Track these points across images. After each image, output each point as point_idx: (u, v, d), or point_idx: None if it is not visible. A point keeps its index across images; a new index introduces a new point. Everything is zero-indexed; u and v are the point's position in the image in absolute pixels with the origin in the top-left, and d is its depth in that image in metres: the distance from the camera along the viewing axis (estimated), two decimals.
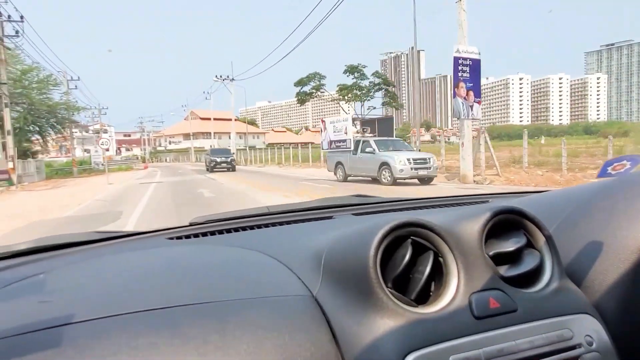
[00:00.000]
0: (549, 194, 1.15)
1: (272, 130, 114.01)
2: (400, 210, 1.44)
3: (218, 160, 30.70)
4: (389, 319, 0.63)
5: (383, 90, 51.91)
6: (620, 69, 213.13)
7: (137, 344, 0.60)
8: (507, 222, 0.76)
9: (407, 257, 0.67)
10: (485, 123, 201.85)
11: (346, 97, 52.59)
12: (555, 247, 0.75)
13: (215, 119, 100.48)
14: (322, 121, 21.82)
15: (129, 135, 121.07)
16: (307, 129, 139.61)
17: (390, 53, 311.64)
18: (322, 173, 21.91)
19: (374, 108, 58.67)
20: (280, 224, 1.25)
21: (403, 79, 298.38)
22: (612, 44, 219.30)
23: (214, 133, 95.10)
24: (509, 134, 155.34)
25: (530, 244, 0.76)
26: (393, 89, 52.21)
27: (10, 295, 0.80)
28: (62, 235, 1.17)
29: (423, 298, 0.68)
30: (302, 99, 52.10)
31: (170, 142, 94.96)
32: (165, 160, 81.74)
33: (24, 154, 30.83)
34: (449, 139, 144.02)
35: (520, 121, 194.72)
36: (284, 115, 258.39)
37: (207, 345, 0.61)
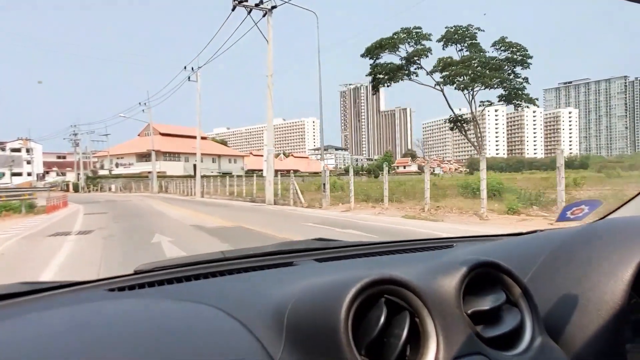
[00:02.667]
0: (517, 239, 1.08)
1: (251, 153, 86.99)
2: (364, 255, 1.30)
3: None
4: None
5: (508, 70, 28.08)
6: (578, 106, 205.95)
7: None
8: (483, 275, 0.70)
9: (382, 319, 0.59)
10: (463, 155, 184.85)
11: (456, 80, 29.21)
12: (535, 303, 0.70)
13: (180, 136, 73.71)
14: None
15: (64, 157, 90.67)
16: (286, 155, 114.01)
17: (350, 85, 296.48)
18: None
19: (490, 104, 34.97)
20: (238, 271, 1.12)
21: (363, 110, 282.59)
22: (570, 82, 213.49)
23: (181, 154, 68.19)
24: (491, 166, 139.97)
25: (508, 300, 0.70)
26: (523, 69, 27.67)
27: None
28: None
29: None
30: (389, 76, 26.49)
31: (117, 165, 65.70)
32: (110, 189, 52.47)
33: None
34: (434, 170, 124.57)
35: (497, 153, 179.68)
36: (243, 143, 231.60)
37: None
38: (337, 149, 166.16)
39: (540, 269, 0.84)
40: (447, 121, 30.82)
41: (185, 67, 29.67)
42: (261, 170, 62.50)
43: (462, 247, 1.29)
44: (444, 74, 28.03)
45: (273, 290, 0.83)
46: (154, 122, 68.87)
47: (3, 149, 79.07)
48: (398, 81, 27.45)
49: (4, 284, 0.97)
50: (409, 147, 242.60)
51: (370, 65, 27.51)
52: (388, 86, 27.96)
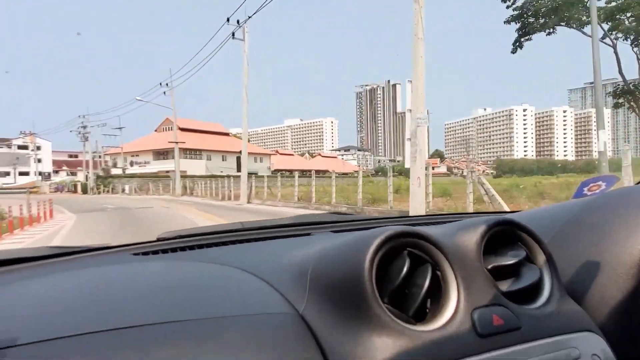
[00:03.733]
0: (534, 211, 1.10)
1: (277, 152, 78.10)
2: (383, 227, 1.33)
3: None
4: (387, 338, 0.56)
5: None
6: (607, 106, 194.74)
7: None
8: (503, 236, 0.71)
9: (405, 269, 0.60)
10: (489, 156, 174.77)
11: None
12: (554, 261, 0.71)
13: (201, 131, 64.93)
14: None
15: (76, 156, 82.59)
16: (312, 155, 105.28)
17: (366, 86, 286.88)
18: None
19: None
20: (256, 240, 1.15)
21: (379, 112, 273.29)
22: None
23: (202, 151, 59.42)
24: (521, 168, 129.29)
25: (527, 259, 0.70)
26: None
27: None
28: (9, 250, 1.04)
29: (420, 315, 0.61)
30: (553, 19, 16.78)
31: (132, 163, 57.13)
32: (123, 190, 43.74)
33: None
34: (462, 172, 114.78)
35: (525, 155, 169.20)
36: (259, 144, 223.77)
37: None
38: (358, 149, 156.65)
39: (557, 236, 0.85)
40: (612, 94, 21.29)
41: (228, 20, 20.72)
42: (288, 170, 53.77)
43: None
44: (613, 23, 18.59)
45: (294, 253, 0.84)
46: (172, 117, 60.34)
47: (9, 146, 71.43)
48: (562, 24, 18.13)
49: (30, 247, 0.97)
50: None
51: (515, 7, 18.21)
52: (549, 33, 18.65)
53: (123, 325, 0.58)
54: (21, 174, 68.75)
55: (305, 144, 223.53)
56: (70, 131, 54.05)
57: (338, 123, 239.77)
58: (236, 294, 0.72)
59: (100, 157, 59.03)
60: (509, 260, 0.67)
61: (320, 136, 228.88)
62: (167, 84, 32.33)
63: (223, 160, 59.29)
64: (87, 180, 49.13)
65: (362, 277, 0.58)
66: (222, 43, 21.44)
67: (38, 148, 71.78)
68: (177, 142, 34.01)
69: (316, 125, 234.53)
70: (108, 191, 44.97)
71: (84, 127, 49.95)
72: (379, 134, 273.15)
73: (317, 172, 23.48)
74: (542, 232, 0.81)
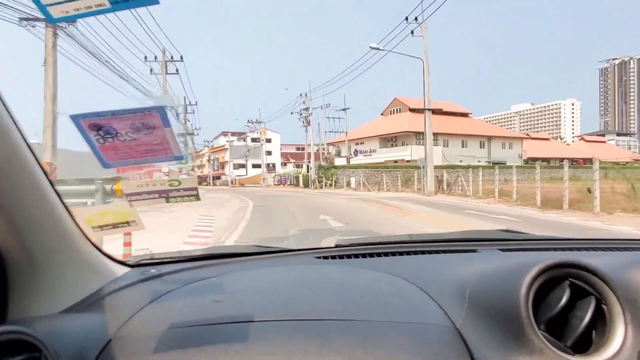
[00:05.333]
0: None
1: (528, 135, 59.53)
2: (554, 250, 1.24)
3: None
4: None
5: None
6: None
7: (292, 348, 0.61)
8: None
9: (565, 299, 0.58)
10: None
11: None
12: None
13: (438, 112, 51.94)
14: None
15: (302, 149, 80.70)
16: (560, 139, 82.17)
17: (614, 60, 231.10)
18: None
19: None
20: (422, 252, 1.18)
21: (632, 90, 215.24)
22: None
23: (439, 135, 46.36)
24: None
25: None
26: None
27: (190, 292, 0.87)
28: (228, 246, 1.43)
29: (579, 346, 0.59)
30: None
31: (356, 152, 47.74)
32: (348, 184, 33.76)
33: None
34: None
35: None
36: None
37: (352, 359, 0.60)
38: (618, 134, 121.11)
39: None
40: None
41: None
42: (545, 159, 36.37)
43: None
44: None
45: (456, 270, 0.87)
46: (401, 97, 49.15)
47: (244, 139, 72.50)
48: None
49: (242, 245, 1.18)
50: None
51: None
52: None
53: (309, 317, 0.68)
54: (254, 166, 68.01)
55: (537, 132, 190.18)
56: (291, 113, 46.94)
57: (580, 105, 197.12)
58: (400, 302, 0.77)
59: (323, 147, 51.88)
60: None
61: (556, 121, 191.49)
62: (415, 18, 19.96)
63: (463, 146, 45.20)
64: (308, 172, 41.35)
65: (519, 302, 0.57)
66: None
67: (268, 140, 70.18)
68: (427, 110, 21.45)
69: (551, 110, 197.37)
70: (331, 184, 35.79)
71: (306, 109, 42.23)
72: (631, 117, 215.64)
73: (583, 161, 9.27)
74: None
